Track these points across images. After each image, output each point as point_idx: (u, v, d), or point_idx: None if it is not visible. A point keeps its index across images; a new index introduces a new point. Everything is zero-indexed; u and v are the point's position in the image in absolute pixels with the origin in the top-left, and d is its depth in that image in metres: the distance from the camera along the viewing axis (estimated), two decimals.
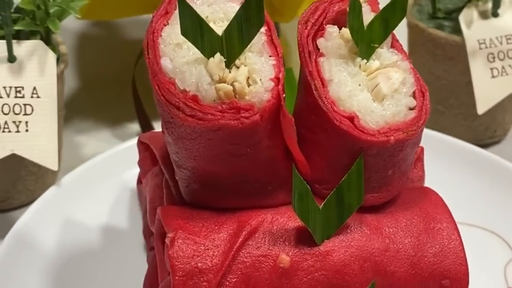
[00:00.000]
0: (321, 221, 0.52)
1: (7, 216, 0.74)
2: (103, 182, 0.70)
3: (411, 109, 0.52)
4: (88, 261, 0.65)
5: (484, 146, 0.80)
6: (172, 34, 0.51)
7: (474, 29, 0.75)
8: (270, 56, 0.51)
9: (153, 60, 0.50)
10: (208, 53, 0.50)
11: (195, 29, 0.49)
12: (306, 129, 0.53)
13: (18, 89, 0.66)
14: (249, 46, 0.50)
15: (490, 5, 0.75)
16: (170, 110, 0.49)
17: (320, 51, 0.52)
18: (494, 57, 0.75)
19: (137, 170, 0.71)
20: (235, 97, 0.49)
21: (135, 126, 0.88)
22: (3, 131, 0.65)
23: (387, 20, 0.53)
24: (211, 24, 0.50)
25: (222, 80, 0.49)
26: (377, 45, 0.53)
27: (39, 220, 0.65)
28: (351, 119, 0.51)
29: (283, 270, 0.51)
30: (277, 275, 0.51)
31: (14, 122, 0.66)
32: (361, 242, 0.53)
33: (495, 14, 0.75)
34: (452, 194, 0.60)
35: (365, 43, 0.52)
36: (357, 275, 0.52)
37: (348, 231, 0.53)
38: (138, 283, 0.63)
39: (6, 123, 0.66)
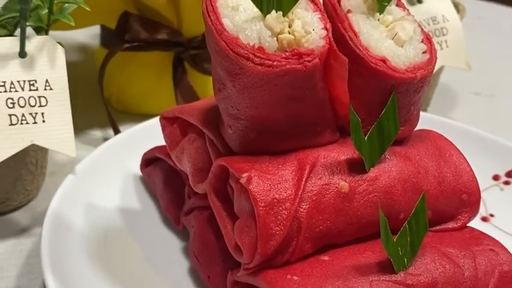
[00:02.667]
0: (368, 150, 0.60)
1: (7, 219, 0.75)
2: (107, 168, 0.75)
3: (423, 52, 0.62)
4: (118, 238, 0.69)
5: None
6: None
7: None
8: (314, 11, 0.59)
9: (215, 21, 0.57)
10: (265, 11, 0.57)
11: None
12: None
13: (31, 82, 0.69)
14: (297, 4, 0.58)
15: None
16: (239, 62, 0.56)
17: (346, 8, 0.62)
18: None
19: (138, 157, 0.76)
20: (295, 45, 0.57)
21: (97, 133, 0.92)
22: (21, 123, 0.68)
23: None
24: None
25: (281, 32, 0.57)
26: (387, 3, 0.63)
27: (66, 205, 0.68)
28: (384, 61, 0.60)
29: (344, 194, 0.59)
30: (340, 199, 0.59)
31: (31, 113, 0.68)
32: (399, 168, 0.62)
33: (420, 1, 0.89)
34: None
35: (379, 1, 0.62)
36: (401, 195, 0.61)
37: (387, 160, 0.62)
38: (165, 251, 0.69)
39: (23, 115, 0.68)
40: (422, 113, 0.86)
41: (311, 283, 0.56)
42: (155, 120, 0.80)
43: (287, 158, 0.60)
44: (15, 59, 0.68)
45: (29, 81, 0.69)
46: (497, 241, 0.63)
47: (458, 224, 0.64)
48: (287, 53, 0.56)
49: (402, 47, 0.62)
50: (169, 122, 0.68)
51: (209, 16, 0.57)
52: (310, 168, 0.59)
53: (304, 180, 0.58)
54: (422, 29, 0.64)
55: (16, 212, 0.76)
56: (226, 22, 0.57)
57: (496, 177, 0.80)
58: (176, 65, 0.91)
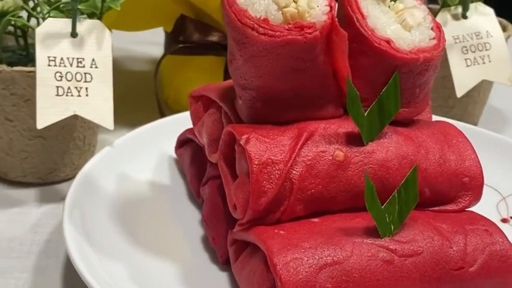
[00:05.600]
0: (367, 125, 0.63)
1: (53, 189, 0.82)
2: (145, 147, 0.81)
3: (432, 39, 0.65)
4: (143, 206, 0.74)
5: None
6: None
7: (449, 27, 0.90)
8: None
9: None
10: None
11: None
12: (348, 56, 0.65)
13: (79, 60, 0.76)
14: None
15: (459, 10, 0.92)
16: (245, 31, 0.61)
17: None
18: (467, 50, 0.90)
19: (173, 140, 0.81)
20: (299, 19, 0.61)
21: None
22: (67, 95, 0.75)
23: None
24: None
25: (287, 6, 0.61)
26: None
27: (99, 169, 0.74)
28: (388, 41, 0.63)
29: (339, 163, 0.62)
30: (334, 166, 0.62)
31: (76, 87, 0.75)
32: (398, 145, 0.64)
33: (464, 16, 0.91)
34: None
35: None
36: (397, 169, 0.63)
37: (387, 136, 0.64)
38: (184, 221, 0.74)
39: (69, 88, 0.75)
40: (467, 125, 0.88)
41: (295, 237, 0.59)
42: None
43: (289, 127, 0.64)
44: (66, 38, 0.76)
45: (77, 58, 0.76)
46: (494, 223, 0.64)
47: (459, 207, 0.65)
48: (290, 25, 0.61)
49: (410, 31, 0.65)
50: (195, 100, 0.74)
51: None
52: (308, 136, 0.62)
53: (299, 145, 0.62)
54: (433, 18, 0.67)
55: (63, 184, 0.83)
56: None
57: None
58: (227, 69, 0.96)
